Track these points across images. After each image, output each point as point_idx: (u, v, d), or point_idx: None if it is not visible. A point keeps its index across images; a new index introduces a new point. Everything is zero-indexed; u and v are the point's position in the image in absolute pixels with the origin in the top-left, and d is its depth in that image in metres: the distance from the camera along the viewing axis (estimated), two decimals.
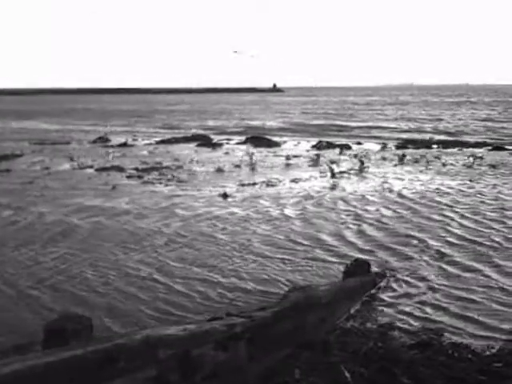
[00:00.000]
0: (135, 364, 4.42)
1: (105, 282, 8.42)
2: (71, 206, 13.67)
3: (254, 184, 16.66)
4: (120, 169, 19.95)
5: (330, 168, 18.66)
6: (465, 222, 11.65)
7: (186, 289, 8.10)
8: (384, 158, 22.46)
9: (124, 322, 6.89)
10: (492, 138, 31.07)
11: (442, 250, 9.75)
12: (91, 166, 20.87)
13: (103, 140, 31.55)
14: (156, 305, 7.54)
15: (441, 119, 47.52)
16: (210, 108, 76.50)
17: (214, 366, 4.87)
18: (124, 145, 29.28)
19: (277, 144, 29.25)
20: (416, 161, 21.60)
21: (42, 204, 14.02)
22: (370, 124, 40.84)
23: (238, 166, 20.61)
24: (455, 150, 25.56)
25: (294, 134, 36.16)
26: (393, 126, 39.58)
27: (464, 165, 20.34)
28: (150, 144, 30.04)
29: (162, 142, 30.91)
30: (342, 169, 19.54)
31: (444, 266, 8.88)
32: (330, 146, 27.37)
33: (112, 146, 28.69)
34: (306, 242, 10.34)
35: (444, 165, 20.48)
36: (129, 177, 18.34)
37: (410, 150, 25.41)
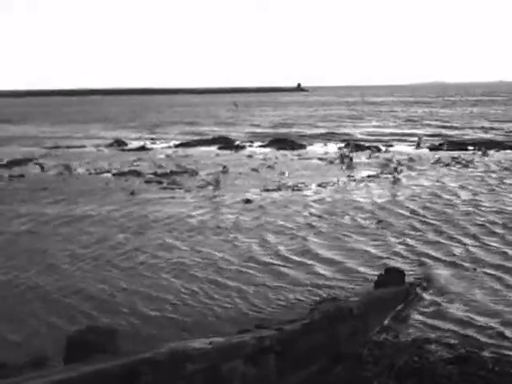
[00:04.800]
0: (162, 379, 4.48)
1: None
2: (91, 213, 13.85)
3: (279, 189, 16.68)
4: (138, 173, 20.10)
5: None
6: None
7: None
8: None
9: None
10: None
11: (482, 258, 9.72)
12: (108, 171, 21.09)
13: (119, 143, 31.79)
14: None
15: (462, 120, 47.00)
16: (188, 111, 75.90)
17: (243, 382, 4.91)
18: (142, 148, 29.49)
19: (302, 146, 29.24)
20: (448, 164, 21.45)
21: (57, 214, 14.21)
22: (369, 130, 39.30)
23: (261, 170, 20.67)
24: (492, 151, 25.28)
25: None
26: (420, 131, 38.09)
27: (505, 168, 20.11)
28: (169, 147, 30.21)
29: (181, 145, 31.07)
30: (371, 172, 19.50)
31: (481, 277, 8.84)
32: (359, 148, 27.24)
33: (129, 150, 28.94)
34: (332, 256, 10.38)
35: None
36: (147, 182, 18.47)
37: (443, 153, 25.27)
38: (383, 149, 27.09)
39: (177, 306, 7.98)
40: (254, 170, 20.81)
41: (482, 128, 37.65)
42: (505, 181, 17.41)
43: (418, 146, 27.99)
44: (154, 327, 7.23)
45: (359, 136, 34.19)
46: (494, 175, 18.57)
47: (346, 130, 38.42)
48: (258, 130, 40.59)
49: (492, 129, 37.01)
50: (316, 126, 43.63)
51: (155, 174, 20.01)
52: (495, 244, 10.57)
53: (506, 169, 19.91)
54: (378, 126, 41.78)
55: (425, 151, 26.37)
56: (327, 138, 33.88)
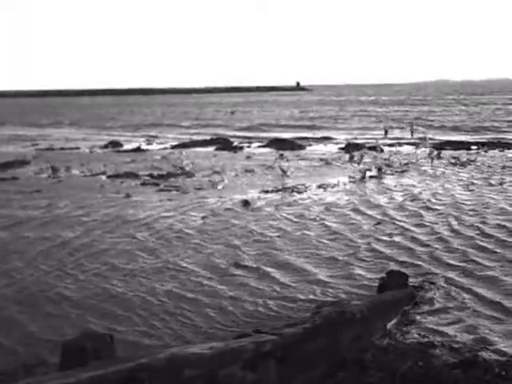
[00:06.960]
0: None
1: None
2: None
3: (278, 190, 16.67)
4: (134, 175, 20.08)
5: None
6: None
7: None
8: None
9: None
10: None
11: (487, 259, 9.70)
12: (103, 173, 21.06)
13: (114, 145, 31.87)
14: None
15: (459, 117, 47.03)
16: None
17: None
18: (137, 150, 29.57)
19: (301, 147, 29.26)
20: (451, 163, 21.45)
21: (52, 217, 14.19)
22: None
23: (260, 171, 20.66)
24: (496, 151, 25.29)
25: None
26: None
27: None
28: (165, 148, 30.22)
29: (178, 146, 31.07)
30: (372, 173, 19.46)
31: (486, 279, 8.82)
32: (359, 147, 27.19)
33: (125, 151, 28.97)
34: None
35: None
36: (143, 184, 18.45)
37: (445, 152, 25.24)
38: (384, 149, 27.04)
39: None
40: (252, 170, 20.82)
41: (469, 128, 37.70)
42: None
43: (419, 145, 27.91)
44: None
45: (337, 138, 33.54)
46: (498, 174, 18.59)
47: (325, 134, 37.01)
48: (228, 133, 39.88)
49: (484, 128, 37.10)
50: (296, 127, 43.34)
51: (151, 175, 19.99)
52: (501, 244, 10.55)
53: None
54: (366, 128, 41.05)
55: (426, 151, 26.31)
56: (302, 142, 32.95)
